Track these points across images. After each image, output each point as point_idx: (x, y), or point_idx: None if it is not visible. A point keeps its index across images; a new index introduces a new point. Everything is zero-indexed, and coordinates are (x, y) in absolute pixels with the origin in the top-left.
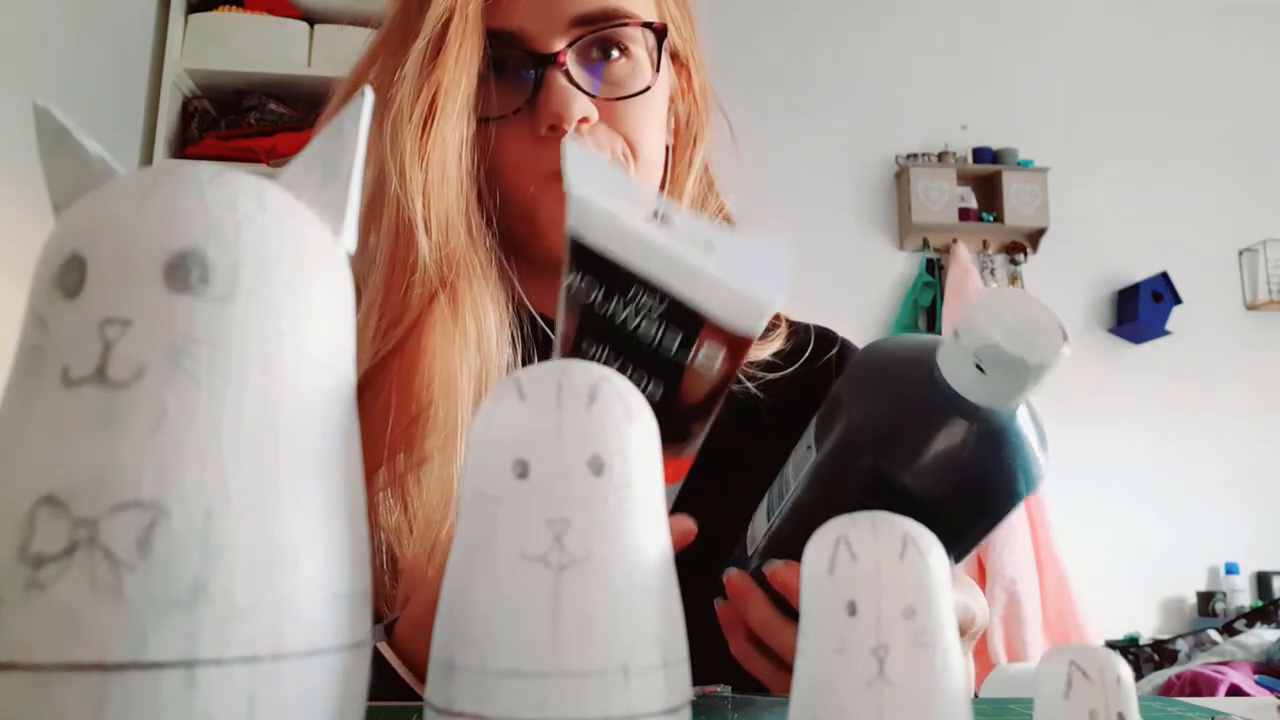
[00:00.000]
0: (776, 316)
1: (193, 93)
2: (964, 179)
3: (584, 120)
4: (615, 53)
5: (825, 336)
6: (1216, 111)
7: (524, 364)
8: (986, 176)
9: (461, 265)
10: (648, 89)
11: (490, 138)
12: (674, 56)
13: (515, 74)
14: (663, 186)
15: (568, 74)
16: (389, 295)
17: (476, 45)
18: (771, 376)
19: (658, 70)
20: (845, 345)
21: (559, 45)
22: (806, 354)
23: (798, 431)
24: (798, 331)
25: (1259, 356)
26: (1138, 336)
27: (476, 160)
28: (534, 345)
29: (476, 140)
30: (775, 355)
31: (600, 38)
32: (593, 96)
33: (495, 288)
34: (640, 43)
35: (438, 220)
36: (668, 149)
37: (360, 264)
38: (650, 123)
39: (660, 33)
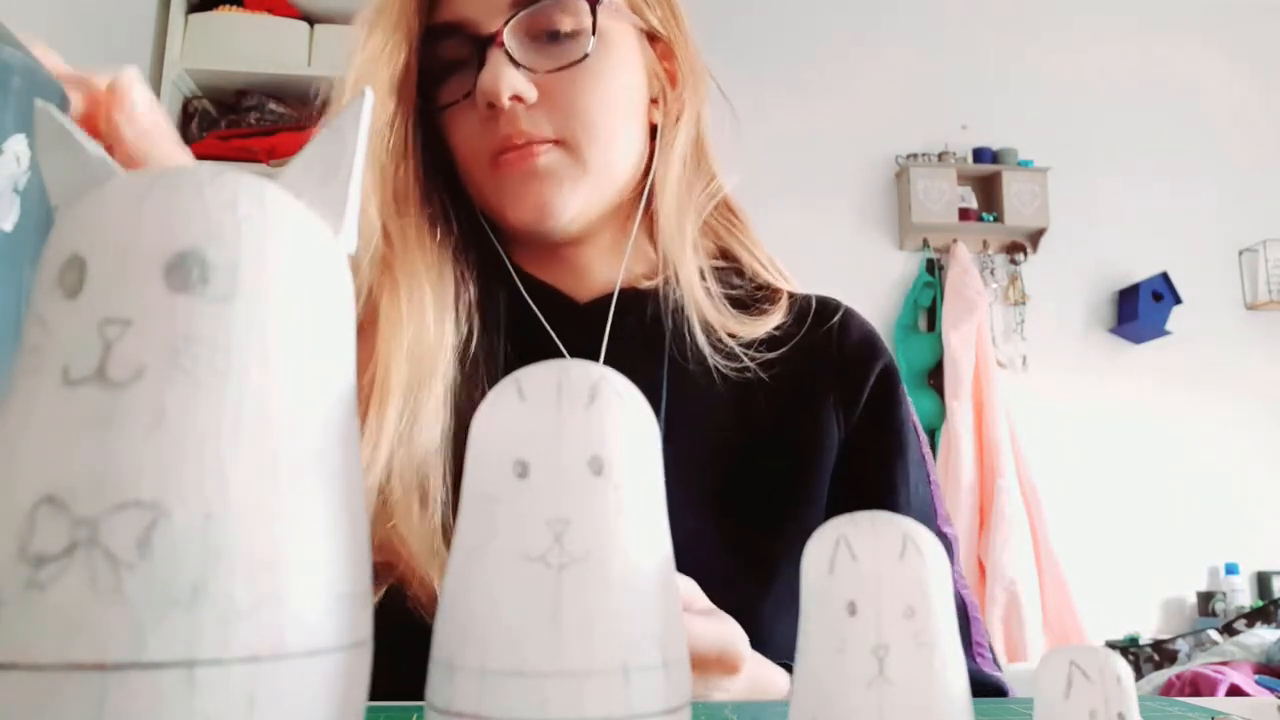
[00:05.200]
0: (776, 290)
1: (193, 93)
2: (964, 179)
3: (518, 98)
4: (561, 31)
5: (827, 304)
6: (1216, 111)
7: (500, 328)
8: (986, 176)
9: (396, 248)
10: (584, 57)
11: (450, 126)
12: (653, 38)
13: (465, 63)
14: (648, 167)
15: (507, 52)
16: None
17: (401, 34)
18: (771, 355)
19: (594, 34)
20: (848, 312)
21: (497, 26)
22: (808, 323)
23: (801, 402)
24: (799, 301)
25: (1259, 356)
26: (1138, 336)
27: (414, 143)
28: (507, 310)
29: (413, 124)
30: (776, 328)
31: (539, 14)
32: (533, 71)
33: (437, 268)
34: (586, 18)
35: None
36: (655, 128)
37: None
38: (600, 97)
39: (593, 1)
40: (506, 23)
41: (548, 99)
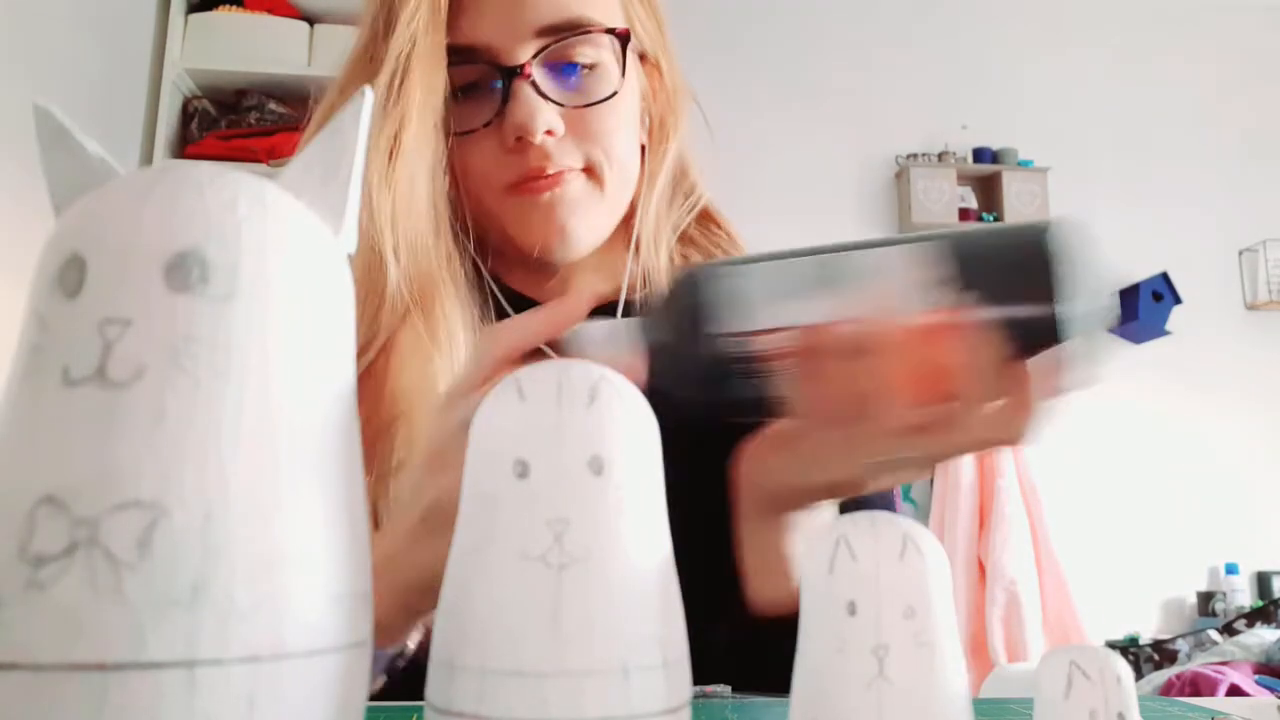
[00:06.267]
0: None
1: (193, 93)
2: (964, 179)
3: (549, 132)
4: (582, 62)
5: None
6: (1216, 112)
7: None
8: (986, 176)
9: (433, 284)
10: (614, 94)
11: (461, 150)
12: (642, 57)
13: (484, 88)
14: (639, 185)
15: (534, 85)
16: (359, 320)
17: (440, 67)
18: None
19: (624, 75)
20: None
21: (524, 57)
22: None
23: None
24: None
25: (1259, 356)
26: (1138, 336)
27: (449, 175)
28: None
29: (450, 157)
30: None
31: (565, 48)
32: (561, 106)
33: (466, 302)
34: (607, 49)
35: (407, 246)
36: (643, 148)
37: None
38: (620, 128)
39: (624, 38)
40: (535, 55)
41: (573, 129)
